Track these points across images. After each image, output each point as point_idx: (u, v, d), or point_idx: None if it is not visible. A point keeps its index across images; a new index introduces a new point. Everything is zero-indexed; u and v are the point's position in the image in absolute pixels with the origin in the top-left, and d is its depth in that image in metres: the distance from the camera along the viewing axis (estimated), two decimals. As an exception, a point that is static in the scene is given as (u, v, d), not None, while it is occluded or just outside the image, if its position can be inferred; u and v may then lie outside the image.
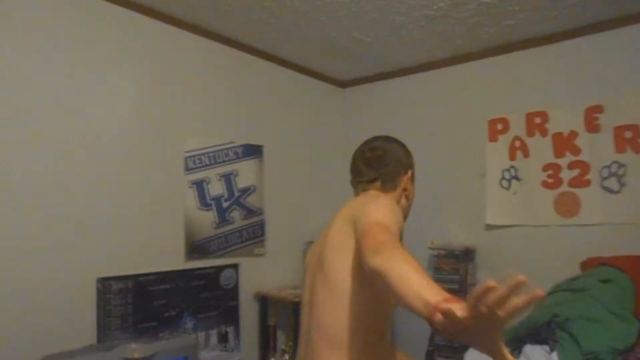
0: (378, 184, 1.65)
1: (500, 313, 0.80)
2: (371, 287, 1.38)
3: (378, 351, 1.43)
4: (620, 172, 2.95)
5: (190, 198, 3.15)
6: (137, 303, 2.84)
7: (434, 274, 3.41)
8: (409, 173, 1.68)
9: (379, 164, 1.66)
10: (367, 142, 1.73)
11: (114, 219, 2.77)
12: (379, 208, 1.37)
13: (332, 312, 1.42)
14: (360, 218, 1.35)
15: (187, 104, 3.18)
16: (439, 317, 0.88)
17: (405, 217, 1.68)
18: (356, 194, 1.70)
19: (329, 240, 1.48)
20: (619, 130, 2.96)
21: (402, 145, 1.72)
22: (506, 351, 0.87)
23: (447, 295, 0.93)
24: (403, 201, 1.68)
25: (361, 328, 1.40)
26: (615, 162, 2.96)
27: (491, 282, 0.80)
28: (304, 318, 1.59)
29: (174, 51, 3.12)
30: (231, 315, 3.35)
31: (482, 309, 0.80)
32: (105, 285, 2.70)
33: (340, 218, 1.49)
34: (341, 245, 1.43)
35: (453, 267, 3.35)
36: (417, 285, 0.98)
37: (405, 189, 1.67)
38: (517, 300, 0.80)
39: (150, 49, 2.99)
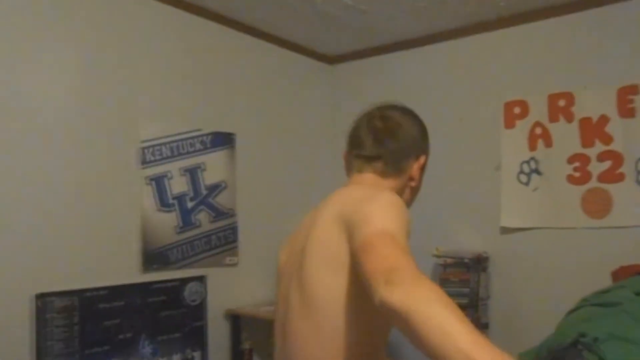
0: (380, 164, 1.53)
1: None
2: (371, 314, 1.29)
3: None
4: (659, 164, 2.98)
5: (148, 197, 3.13)
6: (84, 324, 2.81)
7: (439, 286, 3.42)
8: (421, 160, 1.58)
9: (388, 138, 1.54)
10: (381, 107, 1.61)
11: (54, 223, 2.74)
12: (383, 209, 1.25)
13: (314, 345, 1.32)
14: (358, 222, 1.23)
15: (144, 82, 3.15)
16: None
17: (409, 206, 1.62)
18: (348, 171, 1.61)
19: (312, 246, 1.35)
20: (657, 114, 3.00)
21: (421, 124, 1.62)
22: None
23: (497, 353, 0.88)
24: (406, 193, 1.59)
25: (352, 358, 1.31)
26: (653, 152, 3.00)
27: None
28: (277, 341, 1.51)
29: (128, 18, 3.09)
30: (197, 338, 3.33)
31: None
32: (44, 302, 2.67)
33: (328, 214, 1.36)
34: (329, 256, 1.30)
35: (462, 278, 3.37)
36: (461, 341, 0.88)
37: (412, 178, 1.57)
38: None
39: (98, 12, 2.96)
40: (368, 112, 1.61)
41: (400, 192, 1.55)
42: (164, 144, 3.22)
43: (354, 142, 1.59)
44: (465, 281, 3.36)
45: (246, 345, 3.49)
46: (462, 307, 3.29)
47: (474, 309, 3.30)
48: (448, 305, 0.94)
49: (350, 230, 1.25)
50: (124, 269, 3.02)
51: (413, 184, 1.58)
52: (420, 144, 1.59)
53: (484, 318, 3.39)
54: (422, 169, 1.61)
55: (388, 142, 1.54)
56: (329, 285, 1.30)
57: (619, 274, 2.82)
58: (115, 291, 2.95)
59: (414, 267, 1.06)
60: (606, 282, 2.84)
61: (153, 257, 3.14)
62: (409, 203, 1.62)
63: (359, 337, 1.31)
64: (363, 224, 1.20)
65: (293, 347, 1.37)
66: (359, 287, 1.17)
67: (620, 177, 3.09)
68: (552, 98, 3.32)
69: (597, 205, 3.14)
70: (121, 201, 3.01)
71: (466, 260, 3.38)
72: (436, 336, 0.90)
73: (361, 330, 1.31)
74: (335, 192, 1.47)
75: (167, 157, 3.22)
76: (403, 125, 1.56)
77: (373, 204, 1.27)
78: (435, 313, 0.93)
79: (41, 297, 2.66)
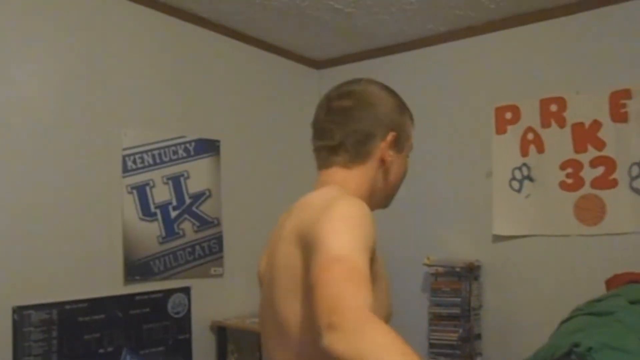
0: (342, 152, 1.38)
1: None
2: None
3: None
4: (653, 170, 3.00)
5: (130, 206, 3.12)
6: (64, 338, 2.79)
7: (430, 295, 3.42)
8: (391, 136, 1.38)
9: (346, 119, 1.38)
10: (340, 84, 1.47)
11: (32, 233, 2.72)
12: (334, 224, 1.11)
13: None
14: (312, 248, 1.11)
15: (125, 88, 3.14)
16: None
17: (387, 202, 1.49)
18: (318, 168, 1.47)
19: (279, 272, 1.26)
20: (650, 119, 3.02)
21: (389, 96, 1.44)
22: None
23: None
24: (380, 180, 1.41)
25: None
26: (647, 158, 3.02)
27: None
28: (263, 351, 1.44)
29: (110, 22, 3.08)
30: (182, 351, 3.32)
31: None
32: (22, 315, 2.65)
33: (290, 232, 1.25)
34: (294, 283, 1.21)
35: (453, 287, 3.36)
36: None
37: (383, 160, 1.38)
38: None
39: (78, 18, 2.95)
40: (327, 93, 1.47)
41: (373, 182, 1.40)
42: (146, 151, 3.20)
43: (315, 132, 1.47)
44: (457, 290, 3.35)
45: (232, 358, 3.47)
46: (454, 317, 3.31)
47: (466, 318, 3.30)
48: (397, 351, 0.89)
49: (307, 254, 1.14)
50: (105, 281, 3.00)
51: (387, 166, 1.40)
52: (388, 117, 1.39)
53: (477, 328, 3.39)
54: (398, 146, 1.41)
55: (346, 123, 1.38)
56: (296, 311, 1.21)
57: (613, 282, 2.83)
58: (96, 303, 2.93)
59: (361, 305, 0.96)
60: (600, 290, 2.85)
61: (135, 268, 3.12)
62: (391, 189, 1.47)
63: None
64: (315, 251, 1.09)
65: None
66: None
67: (614, 183, 3.10)
68: (544, 103, 3.34)
69: (590, 212, 3.16)
70: (102, 211, 3.00)
71: (458, 269, 3.38)
72: None
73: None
74: (301, 199, 1.36)
75: (150, 165, 3.21)
76: (363, 98, 1.40)
77: (325, 220, 1.13)
78: None
79: (18, 310, 2.64)
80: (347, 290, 0.98)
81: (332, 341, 0.92)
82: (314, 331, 1.01)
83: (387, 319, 1.38)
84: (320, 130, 1.45)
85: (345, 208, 1.16)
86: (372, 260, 1.13)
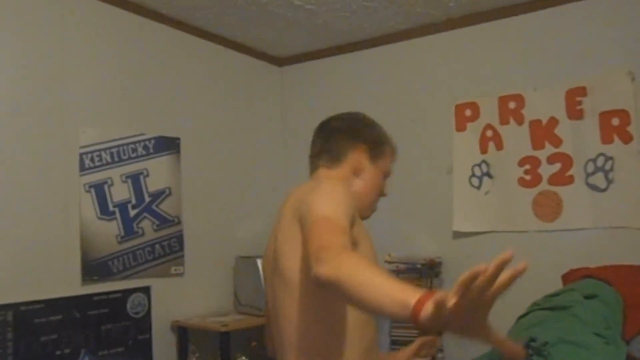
0: (324, 156, 1.79)
1: (489, 294, 0.97)
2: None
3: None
4: (607, 166, 3.06)
5: (87, 205, 3.09)
6: (19, 340, 2.75)
7: (392, 292, 3.44)
8: (362, 147, 1.78)
9: (325, 133, 1.83)
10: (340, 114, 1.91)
11: (-13, 234, 2.67)
12: (321, 196, 1.47)
13: (309, 331, 1.55)
14: (304, 214, 1.45)
15: (82, 85, 3.10)
16: (424, 314, 1.00)
17: (366, 206, 1.81)
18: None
19: (280, 244, 1.60)
20: (605, 116, 3.07)
21: (358, 118, 1.89)
22: (495, 332, 1.04)
23: (420, 290, 1.07)
24: (357, 184, 1.78)
25: (350, 345, 1.55)
26: (602, 154, 3.08)
27: (481, 266, 0.96)
28: (273, 330, 1.72)
29: (67, 18, 3.04)
30: (142, 351, 3.29)
31: (471, 295, 0.96)
32: (-25, 318, 2.61)
33: (288, 210, 1.59)
34: (293, 250, 1.54)
35: (415, 283, 3.39)
36: (384, 288, 1.11)
37: (357, 169, 1.78)
38: (503, 278, 0.97)
39: (31, 13, 2.91)
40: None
41: (346, 181, 1.74)
42: (104, 149, 3.17)
43: (310, 150, 1.85)
44: (419, 287, 3.38)
45: (193, 358, 3.45)
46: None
47: (427, 314, 3.33)
48: (367, 266, 1.17)
49: (300, 218, 1.49)
50: (62, 281, 2.97)
51: (360, 172, 1.79)
52: (359, 133, 1.81)
53: (437, 324, 3.43)
54: (373, 157, 1.81)
55: (325, 136, 1.81)
56: (300, 271, 1.53)
57: (569, 277, 2.89)
58: (53, 304, 2.89)
59: (340, 244, 1.29)
60: (557, 285, 2.91)
61: (93, 268, 3.09)
62: (366, 194, 1.80)
63: (351, 324, 1.56)
64: (307, 213, 1.43)
65: (283, 322, 1.61)
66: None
67: (570, 180, 3.16)
68: (503, 100, 3.39)
69: (548, 209, 3.21)
70: (59, 210, 2.96)
71: (419, 266, 3.42)
72: (366, 291, 1.12)
73: (350, 318, 1.56)
74: (292, 190, 1.68)
75: (108, 163, 3.18)
76: (344, 120, 1.86)
77: (314, 194, 1.48)
78: (358, 274, 1.15)
79: (-29, 312, 2.59)
80: (330, 237, 1.31)
81: (318, 270, 1.22)
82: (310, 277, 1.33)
83: None
84: (311, 143, 1.88)
85: (328, 185, 1.56)
86: (353, 225, 1.48)
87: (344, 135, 1.80)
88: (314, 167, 1.83)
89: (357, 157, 1.78)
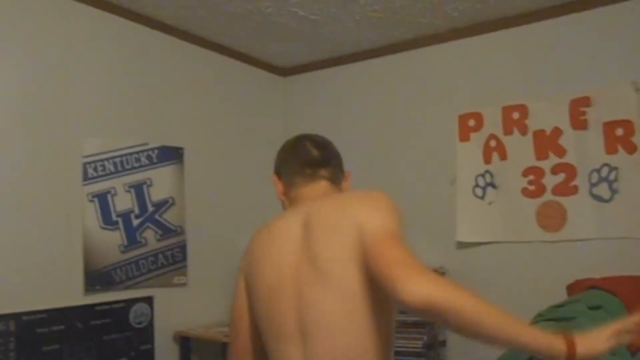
0: (330, 168, 1.76)
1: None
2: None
3: None
4: (612, 176, 3.05)
5: (91, 215, 3.09)
6: (21, 350, 2.75)
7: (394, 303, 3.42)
8: (347, 175, 1.84)
9: (333, 153, 1.80)
10: (305, 134, 1.89)
11: (-10, 243, 2.67)
12: (383, 210, 1.52)
13: (351, 335, 1.50)
14: (364, 223, 1.45)
15: (87, 95, 3.11)
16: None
17: None
18: (288, 192, 1.85)
19: (328, 253, 1.50)
20: (609, 126, 3.07)
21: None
22: None
23: (559, 333, 1.27)
24: None
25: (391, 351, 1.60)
26: (606, 164, 3.07)
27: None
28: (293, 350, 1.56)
29: (69, 27, 3.05)
30: (144, 362, 3.28)
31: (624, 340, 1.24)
32: (-22, 328, 2.61)
33: (332, 217, 1.55)
34: (352, 262, 1.46)
35: (419, 294, 3.38)
36: (521, 328, 1.30)
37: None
38: None
39: (37, 24, 2.92)
40: (299, 137, 1.88)
41: None
42: (108, 159, 3.17)
43: (298, 159, 1.80)
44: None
45: (196, 369, 3.45)
46: (419, 325, 3.32)
47: (431, 326, 3.31)
48: (483, 300, 1.28)
49: (358, 227, 1.46)
50: (65, 291, 2.96)
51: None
52: (341, 161, 1.82)
53: (441, 335, 3.41)
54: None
55: (331, 155, 1.78)
56: (356, 274, 1.48)
57: (573, 288, 2.87)
58: (56, 314, 2.89)
59: (419, 263, 1.32)
60: (562, 296, 2.89)
61: (96, 278, 3.09)
62: None
63: (387, 326, 1.61)
64: (370, 223, 1.46)
65: (320, 335, 1.52)
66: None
67: (574, 190, 3.15)
68: (506, 110, 3.38)
69: (552, 219, 3.20)
70: (62, 219, 2.96)
71: (422, 276, 3.39)
72: (503, 329, 1.27)
73: (388, 319, 1.62)
74: (309, 206, 1.63)
75: (111, 173, 3.18)
76: (330, 143, 1.84)
77: (373, 203, 1.56)
78: (482, 307, 1.27)
79: (-26, 322, 2.59)
80: (407, 253, 1.37)
81: (414, 286, 1.24)
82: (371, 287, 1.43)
83: None
84: (305, 156, 1.83)
85: (386, 198, 1.61)
86: None
87: (340, 161, 1.82)
88: (305, 181, 1.78)
89: (347, 185, 1.82)
